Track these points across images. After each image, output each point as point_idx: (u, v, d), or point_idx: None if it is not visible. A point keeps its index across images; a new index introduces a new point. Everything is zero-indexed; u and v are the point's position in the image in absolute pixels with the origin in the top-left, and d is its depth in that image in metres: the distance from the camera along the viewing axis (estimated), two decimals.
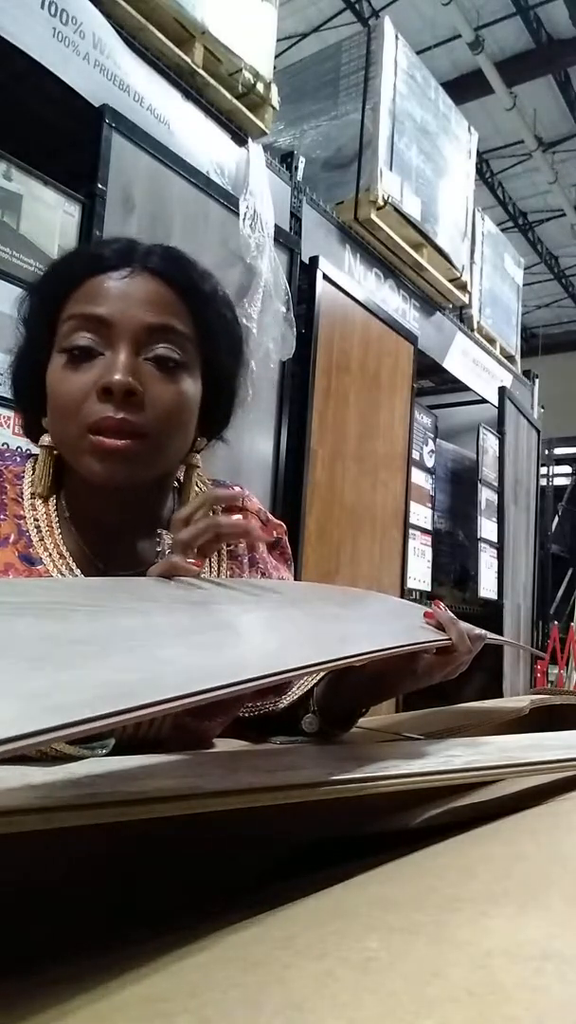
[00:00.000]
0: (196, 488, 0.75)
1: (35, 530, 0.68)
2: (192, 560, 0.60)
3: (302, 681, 0.77)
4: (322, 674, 0.76)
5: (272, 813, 0.39)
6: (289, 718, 0.76)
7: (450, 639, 0.66)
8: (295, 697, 0.76)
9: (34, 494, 0.70)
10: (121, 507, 0.69)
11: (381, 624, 0.68)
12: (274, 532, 0.82)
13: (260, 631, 0.54)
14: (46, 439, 0.69)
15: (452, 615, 0.68)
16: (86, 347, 0.64)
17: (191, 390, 0.68)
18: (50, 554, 0.67)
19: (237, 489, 0.82)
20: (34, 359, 0.68)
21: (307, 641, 0.52)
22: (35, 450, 0.72)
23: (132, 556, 0.70)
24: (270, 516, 0.84)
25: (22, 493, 0.69)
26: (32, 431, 0.72)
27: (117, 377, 0.62)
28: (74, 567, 0.67)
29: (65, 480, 0.71)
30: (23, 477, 0.71)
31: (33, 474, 0.71)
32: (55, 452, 0.69)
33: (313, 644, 0.51)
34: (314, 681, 0.76)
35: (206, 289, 0.70)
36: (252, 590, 0.62)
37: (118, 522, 0.70)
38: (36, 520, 0.68)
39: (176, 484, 0.76)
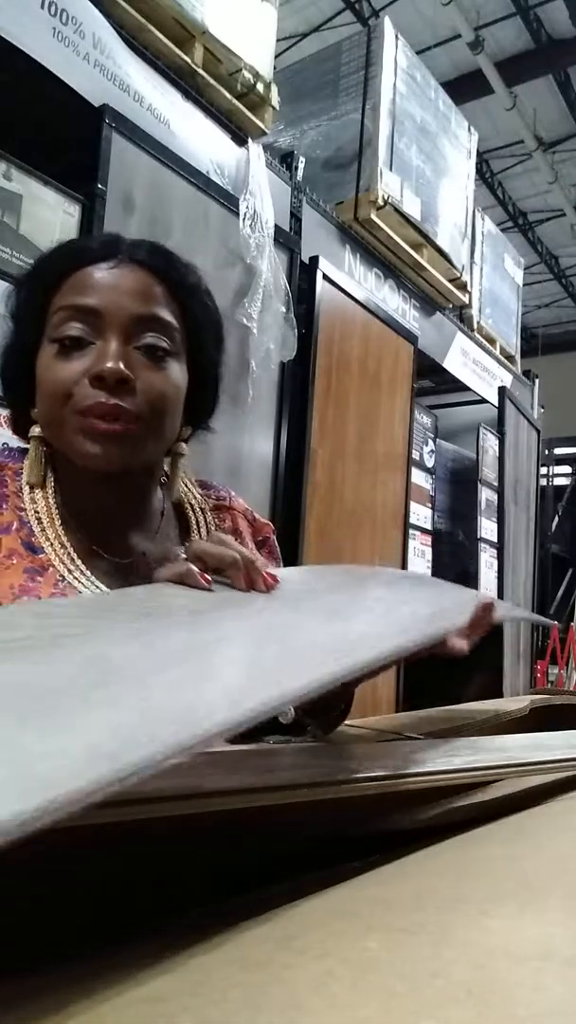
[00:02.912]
0: (182, 479, 0.77)
1: (36, 521, 0.69)
2: (203, 575, 0.57)
3: None
4: None
5: (272, 813, 0.39)
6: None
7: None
8: None
9: (27, 484, 0.71)
10: (112, 494, 0.71)
11: (394, 614, 0.63)
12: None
13: (265, 645, 0.49)
14: (36, 430, 0.70)
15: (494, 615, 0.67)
16: (77, 337, 0.66)
17: (179, 377, 0.70)
18: (51, 544, 0.68)
19: (223, 491, 0.83)
20: (23, 350, 0.70)
21: (308, 655, 0.47)
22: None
23: (124, 544, 0.72)
24: (256, 516, 0.85)
25: (22, 487, 0.71)
26: (21, 426, 0.74)
27: (109, 365, 0.64)
28: (75, 557, 0.68)
29: (57, 471, 0.72)
30: (22, 473, 0.72)
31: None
32: (45, 444, 0.71)
33: (312, 659, 0.46)
34: None
35: (191, 280, 0.72)
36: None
37: (110, 510, 0.72)
38: (37, 512, 0.69)
39: (163, 476, 0.77)
